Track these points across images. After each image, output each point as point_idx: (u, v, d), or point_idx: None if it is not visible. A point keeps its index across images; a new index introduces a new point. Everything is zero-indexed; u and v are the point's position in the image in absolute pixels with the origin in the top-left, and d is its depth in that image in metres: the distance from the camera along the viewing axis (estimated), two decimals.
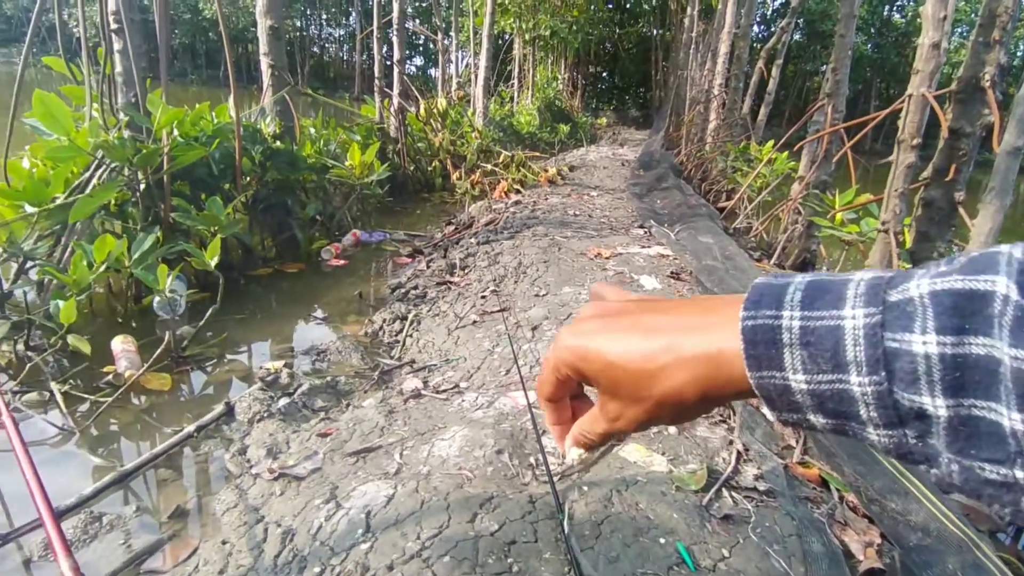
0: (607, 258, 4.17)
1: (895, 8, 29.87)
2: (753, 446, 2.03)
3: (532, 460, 1.96)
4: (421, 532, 1.51)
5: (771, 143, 7.72)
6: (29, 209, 3.10)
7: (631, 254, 4.30)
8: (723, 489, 1.79)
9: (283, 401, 2.47)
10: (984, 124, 3.13)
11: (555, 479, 1.77)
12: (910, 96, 3.29)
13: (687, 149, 11.49)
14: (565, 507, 1.62)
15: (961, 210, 3.23)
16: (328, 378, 2.72)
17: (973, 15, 24.59)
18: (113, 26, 3.52)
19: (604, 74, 35.48)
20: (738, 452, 2.01)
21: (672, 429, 2.13)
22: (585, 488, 1.71)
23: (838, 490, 1.93)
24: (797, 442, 2.18)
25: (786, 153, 6.88)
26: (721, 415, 2.27)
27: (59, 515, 1.80)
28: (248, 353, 3.24)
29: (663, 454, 1.97)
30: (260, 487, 1.95)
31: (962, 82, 3.12)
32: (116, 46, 3.56)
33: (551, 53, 23.51)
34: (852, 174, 4.81)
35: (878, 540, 1.70)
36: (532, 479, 1.87)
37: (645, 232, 5.12)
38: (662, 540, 1.53)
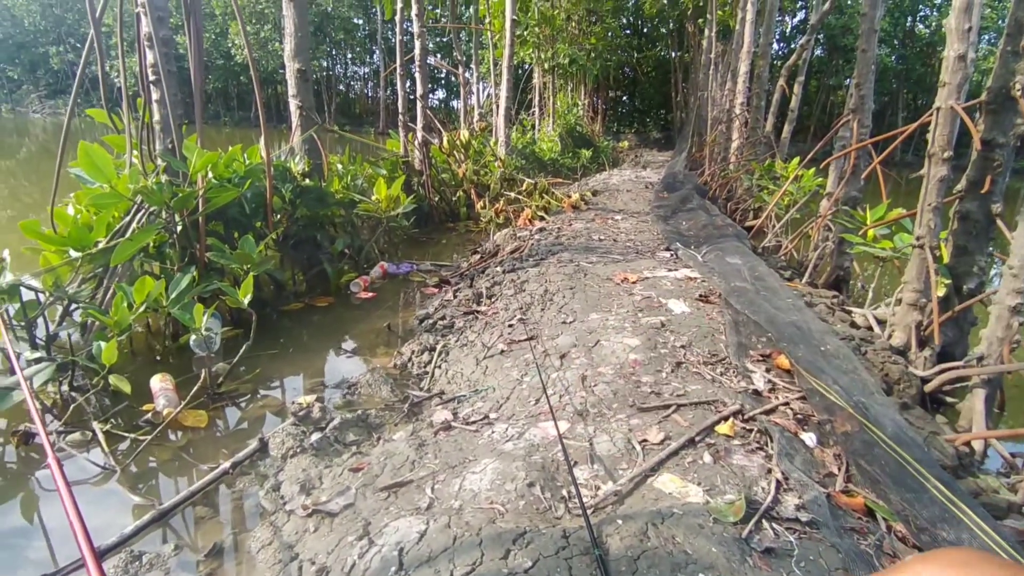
0: (634, 283, 4.14)
1: (918, 19, 29.48)
2: (793, 474, 1.97)
3: (564, 492, 1.93)
4: (454, 569, 1.50)
5: (796, 160, 7.63)
6: (73, 254, 3.24)
7: (658, 278, 4.27)
8: (763, 520, 1.73)
9: (315, 436, 2.49)
10: (1017, 134, 3.05)
11: (589, 512, 1.74)
12: (938, 109, 3.23)
13: (711, 169, 11.43)
14: (600, 542, 1.59)
15: (999, 222, 3.13)
16: (359, 411, 2.74)
17: (1001, 22, 24.15)
18: (151, 77, 3.70)
19: (624, 98, 35.69)
20: (777, 481, 1.94)
21: (707, 457, 2.08)
22: (620, 522, 1.67)
23: (885, 519, 1.85)
24: (839, 470, 2.10)
25: (812, 170, 6.79)
26: (758, 442, 2.21)
27: (101, 555, 1.84)
28: (281, 388, 3.29)
29: (699, 484, 1.92)
30: (294, 524, 1.96)
31: (992, 92, 3.05)
32: (154, 96, 3.74)
33: (570, 80, 23.80)
34: (883, 189, 4.72)
35: None
36: (565, 512, 1.84)
37: (671, 255, 5.08)
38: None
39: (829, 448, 2.24)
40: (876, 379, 2.82)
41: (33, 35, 39.84)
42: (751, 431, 2.26)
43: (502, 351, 3.28)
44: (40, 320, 3.08)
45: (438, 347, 3.52)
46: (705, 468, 2.01)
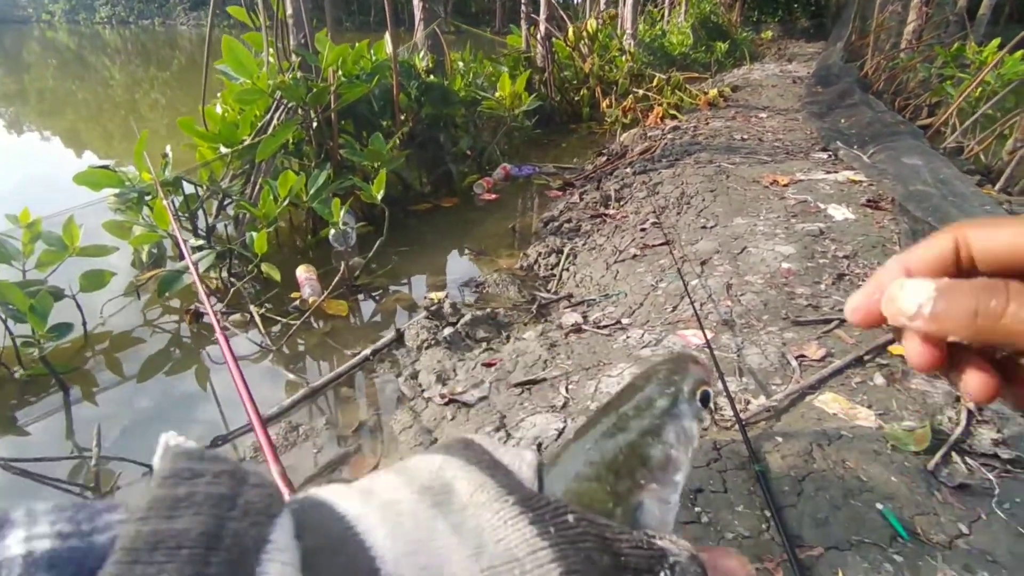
0: (785, 185, 3.69)
1: None
2: (989, 405, 1.67)
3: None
4: None
5: (996, 42, 6.32)
6: (223, 150, 3.42)
7: (814, 180, 3.77)
8: (952, 453, 1.50)
9: (447, 331, 2.52)
10: None
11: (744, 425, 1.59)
12: None
13: (874, 60, 9.80)
14: (759, 458, 1.45)
15: None
16: (488, 309, 2.73)
17: None
18: None
19: None
20: (969, 411, 1.67)
21: (879, 379, 1.82)
22: (779, 439, 1.52)
23: None
24: None
25: (1020, 53, 5.57)
26: None
27: (265, 422, 2.01)
28: (410, 284, 3.37)
29: (869, 407, 1.69)
30: (432, 411, 2.01)
31: None
32: None
33: None
34: None
35: None
36: (711, 423, 1.71)
37: (830, 155, 4.46)
38: (879, 505, 1.31)
39: None
40: None
41: None
42: None
43: (634, 255, 3.09)
44: (199, 213, 3.34)
45: (565, 250, 3.40)
46: (877, 391, 1.77)
